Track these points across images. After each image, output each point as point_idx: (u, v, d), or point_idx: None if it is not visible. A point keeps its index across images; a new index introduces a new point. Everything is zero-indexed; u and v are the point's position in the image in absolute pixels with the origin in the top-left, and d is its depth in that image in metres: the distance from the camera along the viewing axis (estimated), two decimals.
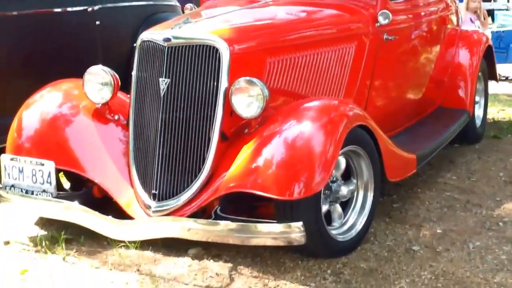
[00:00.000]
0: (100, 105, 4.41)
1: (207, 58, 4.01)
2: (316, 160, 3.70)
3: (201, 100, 4.02)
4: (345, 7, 5.01)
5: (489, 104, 7.26)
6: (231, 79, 3.99)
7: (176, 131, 4.02)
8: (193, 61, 4.01)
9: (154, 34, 4.16)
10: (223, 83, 3.99)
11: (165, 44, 4.04)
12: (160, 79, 4.03)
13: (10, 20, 5.70)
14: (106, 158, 4.20)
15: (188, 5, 5.49)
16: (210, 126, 4.00)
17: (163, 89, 4.02)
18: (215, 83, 4.00)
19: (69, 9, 6.34)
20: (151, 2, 7.34)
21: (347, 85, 4.83)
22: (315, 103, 4.05)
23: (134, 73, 4.24)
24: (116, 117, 4.42)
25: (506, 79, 10.68)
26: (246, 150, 3.86)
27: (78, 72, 4.52)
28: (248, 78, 3.93)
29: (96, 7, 6.54)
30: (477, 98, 6.67)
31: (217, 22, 4.37)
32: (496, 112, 8.14)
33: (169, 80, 4.02)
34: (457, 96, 6.37)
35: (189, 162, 3.99)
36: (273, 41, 4.33)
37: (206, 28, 4.17)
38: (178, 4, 7.67)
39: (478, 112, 6.79)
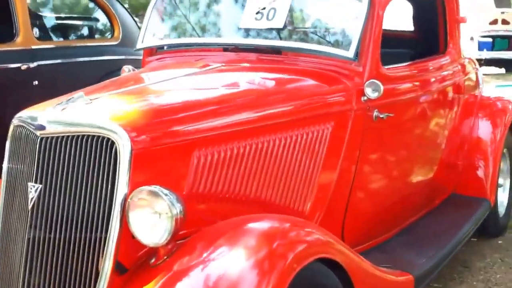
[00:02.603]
0: None
1: (97, 155, 2.75)
2: None
3: (87, 215, 2.75)
4: (320, 75, 3.73)
5: None
6: (133, 186, 2.73)
7: (49, 258, 2.76)
8: (78, 159, 2.76)
9: (27, 117, 2.91)
10: (121, 190, 2.73)
11: (38, 133, 2.79)
12: (29, 184, 2.78)
13: None
14: None
15: (126, 67, 4.26)
16: (100, 253, 2.72)
17: (32, 199, 2.77)
18: (109, 191, 2.74)
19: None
20: (109, 57, 6.12)
21: (318, 184, 3.53)
22: (253, 225, 2.77)
23: (4, 164, 2.99)
24: None
25: None
26: None
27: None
28: (151, 187, 2.65)
29: (32, 65, 5.34)
30: (500, 181, 5.35)
31: (128, 99, 3.10)
32: None
33: (41, 186, 2.76)
34: (475, 180, 5.06)
35: None
36: (208, 128, 3.06)
37: (105, 109, 2.90)
38: None
39: (502, 197, 5.46)
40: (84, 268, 2.74)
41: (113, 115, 2.82)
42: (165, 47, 4.32)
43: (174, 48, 4.27)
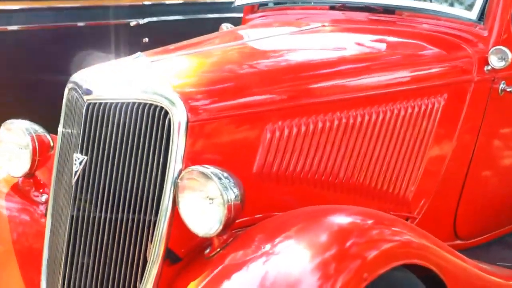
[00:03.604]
0: (21, 179, 2.89)
1: (150, 126, 2.37)
2: None
3: (136, 194, 2.38)
4: (438, 39, 3.17)
5: None
6: (189, 163, 2.33)
7: (93, 240, 2.43)
8: (127, 129, 2.39)
9: (78, 79, 2.57)
10: (173, 168, 2.34)
11: (85, 98, 2.45)
12: (75, 155, 2.45)
13: None
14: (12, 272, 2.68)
15: (224, 25, 3.87)
16: (149, 238, 2.36)
17: (76, 172, 2.43)
18: (160, 169, 2.36)
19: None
20: (226, 15, 5.72)
21: (425, 166, 3.00)
22: (327, 218, 2.30)
23: (60, 128, 2.68)
24: (44, 197, 2.87)
25: None
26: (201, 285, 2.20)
27: None
28: (201, 167, 2.25)
29: (142, 21, 5.05)
30: None
31: (197, 61, 2.70)
32: None
33: (86, 158, 2.42)
34: None
35: None
36: (288, 97, 2.61)
37: (162, 73, 2.51)
38: None
39: None
40: (131, 254, 2.39)
41: (170, 80, 2.43)
42: (269, 4, 3.86)
43: (277, 6, 3.82)
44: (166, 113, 2.34)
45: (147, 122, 2.36)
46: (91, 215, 2.42)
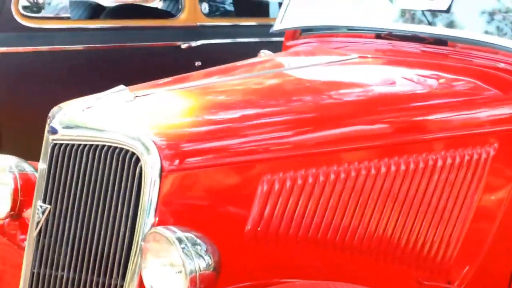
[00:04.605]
0: (7, 220, 2.61)
1: (119, 173, 2.03)
2: None
3: (101, 253, 2.05)
4: (490, 76, 2.71)
5: None
6: (162, 219, 1.99)
7: None
8: (95, 176, 2.06)
9: (51, 114, 2.25)
10: (144, 223, 1.99)
11: (50, 138, 2.13)
12: (38, 203, 2.13)
13: None
14: None
15: (262, 52, 3.50)
16: None
17: (38, 223, 2.12)
18: (129, 226, 2.02)
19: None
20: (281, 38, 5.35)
21: (470, 226, 2.55)
22: None
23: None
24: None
25: None
26: None
27: None
28: (164, 229, 1.89)
29: (195, 43, 4.76)
30: None
31: (181, 101, 2.33)
32: None
33: (49, 207, 2.11)
34: None
35: None
36: (290, 146, 2.22)
37: (140, 112, 2.17)
38: None
39: None
40: None
41: (147, 121, 2.08)
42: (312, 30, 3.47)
43: (318, 32, 3.42)
44: (138, 159, 2.00)
45: (116, 169, 2.02)
46: (53, 274, 2.10)
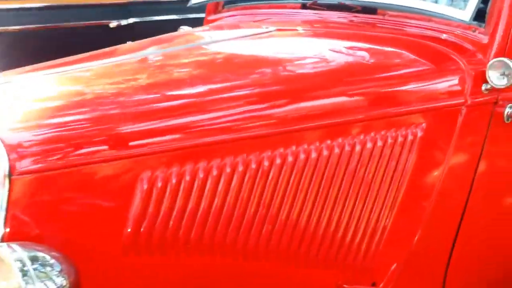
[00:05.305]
0: None
1: None
2: None
3: None
4: (420, 47, 2.41)
5: None
6: (13, 230, 1.67)
7: None
8: None
9: None
10: None
11: None
12: None
13: None
14: None
15: (181, 28, 3.19)
16: None
17: None
18: None
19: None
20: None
21: (394, 218, 2.25)
22: None
23: None
24: None
25: None
26: None
27: None
28: (10, 246, 1.57)
29: (124, 22, 4.42)
30: None
31: (48, 88, 2.00)
32: None
33: None
34: None
35: None
36: (171, 138, 1.90)
37: None
38: None
39: None
40: None
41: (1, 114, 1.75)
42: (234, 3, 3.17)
43: (241, 4, 3.11)
44: None
45: None
46: None
